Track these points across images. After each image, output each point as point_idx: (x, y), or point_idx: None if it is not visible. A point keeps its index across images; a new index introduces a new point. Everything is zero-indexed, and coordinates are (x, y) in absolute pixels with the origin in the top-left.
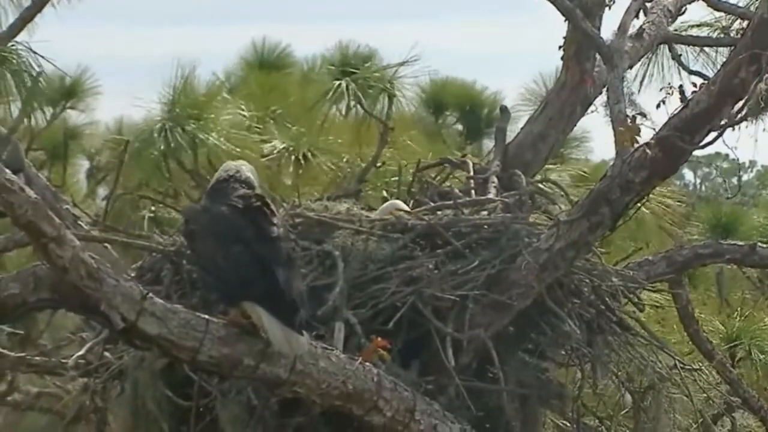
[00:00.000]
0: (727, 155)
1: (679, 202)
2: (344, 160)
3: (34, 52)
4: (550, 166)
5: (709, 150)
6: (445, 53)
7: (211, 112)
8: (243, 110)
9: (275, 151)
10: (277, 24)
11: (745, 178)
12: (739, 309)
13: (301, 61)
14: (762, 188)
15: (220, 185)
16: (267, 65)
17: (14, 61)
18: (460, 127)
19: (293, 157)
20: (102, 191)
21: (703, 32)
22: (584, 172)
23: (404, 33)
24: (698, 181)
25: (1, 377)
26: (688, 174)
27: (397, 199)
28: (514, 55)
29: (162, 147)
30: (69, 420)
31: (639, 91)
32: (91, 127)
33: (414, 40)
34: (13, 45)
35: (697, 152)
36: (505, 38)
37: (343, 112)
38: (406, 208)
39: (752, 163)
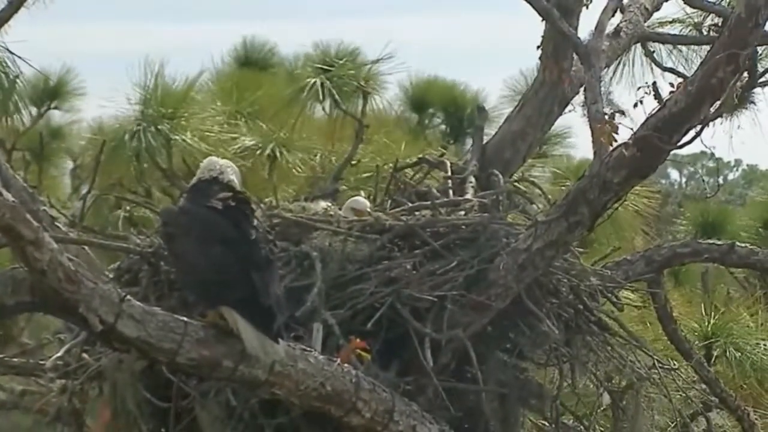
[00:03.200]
0: (712, 154)
1: (655, 200)
2: (317, 157)
3: (11, 53)
4: (533, 161)
5: (694, 149)
6: (428, 50)
7: (185, 111)
8: (216, 109)
9: (243, 149)
10: (260, 21)
11: (730, 177)
12: (712, 307)
13: (283, 60)
14: (747, 187)
15: (201, 185)
16: (249, 64)
17: None
18: (443, 126)
19: (259, 153)
20: (85, 190)
21: (675, 29)
22: (562, 171)
23: (389, 29)
24: (683, 180)
25: None
26: (673, 173)
27: (372, 198)
28: (497, 52)
29: (136, 147)
30: (49, 420)
31: (612, 88)
32: (75, 126)
33: (391, 37)
34: None
35: (680, 151)
36: (488, 35)
37: (318, 110)
38: (367, 203)
39: (737, 162)
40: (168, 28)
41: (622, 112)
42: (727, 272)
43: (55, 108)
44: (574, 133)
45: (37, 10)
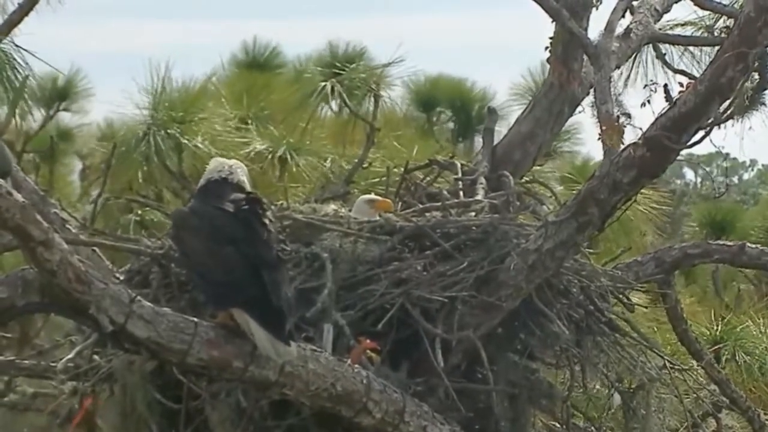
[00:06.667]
0: (727, 154)
1: (664, 203)
2: (328, 160)
3: (24, 50)
4: (540, 167)
5: (710, 149)
6: (435, 48)
7: (194, 114)
8: (227, 112)
9: (254, 153)
10: (264, 20)
11: (745, 177)
12: (722, 310)
13: (291, 61)
14: (763, 187)
15: (212, 186)
16: (256, 65)
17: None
18: (451, 123)
19: (272, 157)
20: (95, 192)
21: (687, 31)
22: (571, 173)
23: (393, 28)
24: (698, 180)
25: None
26: (688, 173)
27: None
28: (504, 51)
29: (146, 150)
30: (60, 422)
31: (623, 90)
32: (84, 127)
33: (400, 38)
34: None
35: (696, 151)
36: (495, 32)
37: (329, 113)
38: (377, 198)
39: (752, 162)
40: (171, 27)
41: (629, 115)
42: (738, 270)
43: (65, 110)
44: (584, 131)
45: (45, 12)
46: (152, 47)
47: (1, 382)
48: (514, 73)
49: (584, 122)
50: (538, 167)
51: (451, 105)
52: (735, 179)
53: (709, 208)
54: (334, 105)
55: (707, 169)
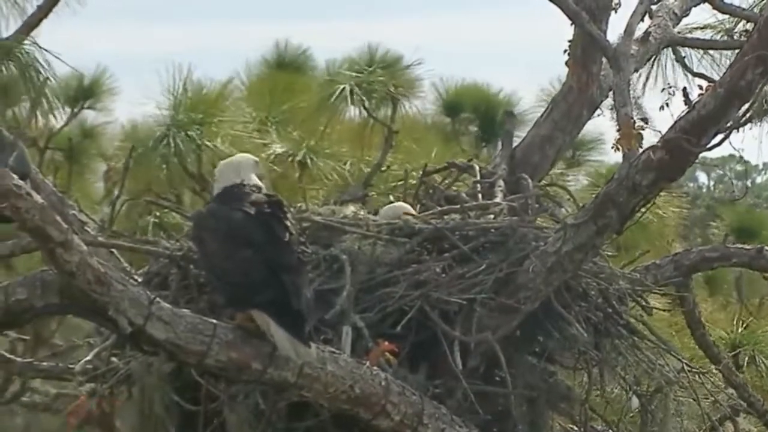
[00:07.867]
0: (741, 157)
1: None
2: (347, 164)
3: (46, 50)
4: (565, 170)
5: (723, 152)
6: (454, 50)
7: (214, 116)
8: (248, 114)
9: (274, 156)
10: (283, 22)
11: (758, 180)
12: (741, 314)
13: (317, 65)
14: None
15: (230, 188)
16: (285, 67)
17: (23, 60)
18: (476, 129)
19: (291, 160)
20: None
21: (707, 34)
22: (594, 178)
23: (413, 31)
24: (712, 183)
25: (10, 381)
26: (701, 176)
27: (404, 202)
28: (520, 50)
29: (165, 152)
30: (78, 424)
31: (643, 93)
32: (107, 126)
33: (419, 41)
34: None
35: (709, 154)
36: (511, 33)
37: (349, 115)
38: (411, 210)
39: (765, 166)
40: (195, 28)
41: (646, 120)
42: (762, 278)
43: (89, 108)
44: (607, 140)
45: (65, 14)
46: (173, 49)
47: (17, 382)
48: (534, 77)
49: (609, 133)
50: (564, 170)
51: (476, 110)
52: (748, 183)
53: (735, 213)
54: (354, 108)
55: (721, 172)
